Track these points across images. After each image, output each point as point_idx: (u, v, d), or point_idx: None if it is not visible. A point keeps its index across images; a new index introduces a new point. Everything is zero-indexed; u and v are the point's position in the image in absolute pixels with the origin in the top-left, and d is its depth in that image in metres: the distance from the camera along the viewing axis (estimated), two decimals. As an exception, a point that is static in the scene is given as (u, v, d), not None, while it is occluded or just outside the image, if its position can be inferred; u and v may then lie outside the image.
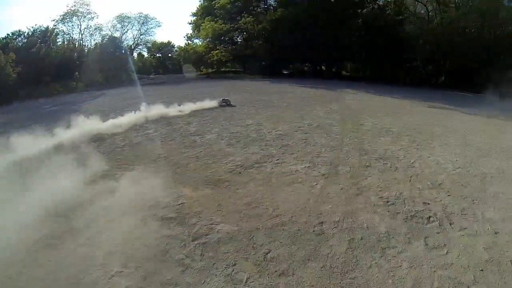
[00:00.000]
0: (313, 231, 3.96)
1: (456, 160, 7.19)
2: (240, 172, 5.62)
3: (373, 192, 5.33)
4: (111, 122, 9.42)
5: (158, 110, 10.89)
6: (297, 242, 3.73)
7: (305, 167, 5.99)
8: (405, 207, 4.92)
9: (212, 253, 3.46)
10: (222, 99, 12.47)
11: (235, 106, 12.38)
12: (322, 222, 4.16)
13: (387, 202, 5.04)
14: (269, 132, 8.27)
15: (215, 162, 6.17)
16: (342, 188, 5.23)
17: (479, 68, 27.01)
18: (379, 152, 7.48)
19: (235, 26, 30.05)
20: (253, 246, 3.61)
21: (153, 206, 4.45)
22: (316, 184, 5.26)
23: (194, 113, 11.02)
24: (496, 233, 4.30)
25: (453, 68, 28.50)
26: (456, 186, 5.76)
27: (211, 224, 4.03)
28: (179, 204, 4.42)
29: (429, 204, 5.03)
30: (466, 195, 5.43)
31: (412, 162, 6.95)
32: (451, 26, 27.90)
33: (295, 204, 4.58)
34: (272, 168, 5.87)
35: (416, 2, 29.52)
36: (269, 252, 3.52)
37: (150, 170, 5.75)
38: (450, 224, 4.48)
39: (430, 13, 28.83)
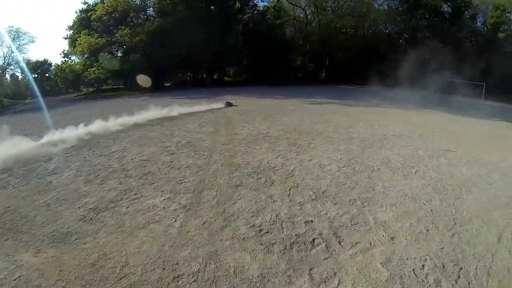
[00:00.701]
0: (167, 292, 3.76)
1: (341, 158, 8.09)
2: (91, 219, 5.70)
3: (243, 220, 5.21)
4: None
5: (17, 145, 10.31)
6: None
7: (164, 199, 6.23)
8: (283, 233, 4.78)
9: None
10: (226, 102, 17.11)
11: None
12: (178, 276, 4.00)
13: (260, 231, 4.85)
14: (132, 159, 8.76)
15: (67, 208, 6.17)
16: (205, 222, 5.24)
17: (357, 62, 38.65)
18: (252, 164, 7.77)
19: (112, 39, 33.66)
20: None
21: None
22: (175, 221, 5.36)
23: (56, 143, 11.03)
24: (392, 238, 4.67)
25: (334, 64, 39.53)
26: (343, 190, 6.25)
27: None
28: (15, 279, 4.18)
29: (312, 221, 5.12)
30: (355, 198, 5.92)
31: (291, 171, 7.24)
32: (329, 27, 40.12)
33: (148, 254, 4.54)
34: (128, 207, 6.01)
35: (295, 7, 41.31)
36: None
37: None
38: (340, 242, 4.54)
39: (308, 17, 40.79)
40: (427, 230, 4.96)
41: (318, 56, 41.02)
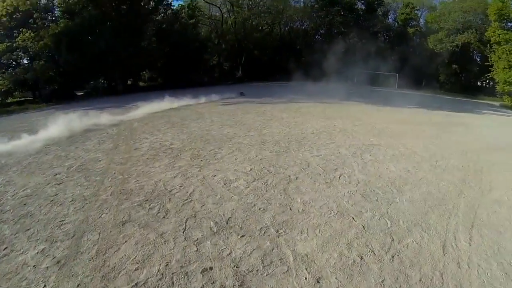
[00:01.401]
0: None
1: (251, 169, 6.92)
2: None
3: (125, 277, 3.92)
4: None
5: None
6: None
7: (38, 252, 4.91)
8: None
9: None
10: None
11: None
12: None
13: (144, 289, 3.42)
14: (13, 195, 7.08)
15: None
16: (78, 285, 4.01)
17: (274, 59, 39.93)
18: (146, 189, 6.29)
19: (14, 45, 29.97)
20: None
21: None
22: (45, 286, 4.08)
23: None
24: (318, 280, 3.59)
25: (250, 62, 39.56)
26: (252, 215, 5.02)
27: None
28: None
29: (211, 269, 3.81)
30: (267, 224, 4.72)
31: (191, 193, 5.86)
32: (244, 25, 40.05)
33: None
34: (-8, 272, 4.51)
35: (210, 6, 40.59)
36: None
37: None
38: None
39: (224, 15, 40.35)
40: (362, 258, 4.01)
41: (234, 55, 40.81)
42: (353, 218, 4.95)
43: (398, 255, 4.11)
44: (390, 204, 5.53)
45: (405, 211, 5.34)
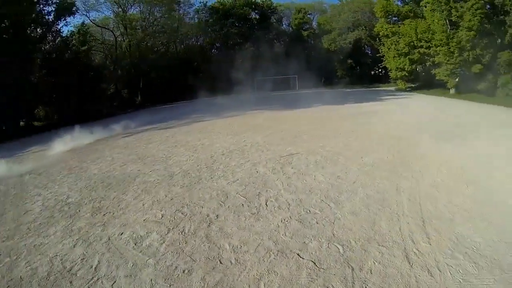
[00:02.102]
0: None
1: (162, 216, 5.78)
2: None
3: None
4: None
5: None
6: None
7: None
8: None
9: None
10: None
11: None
12: None
13: None
14: None
15: None
16: None
17: (172, 79, 38.79)
18: (41, 273, 4.49)
19: None
20: None
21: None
22: None
23: None
24: None
25: (148, 86, 37.82)
26: (176, 284, 3.86)
27: None
28: None
29: None
30: None
31: (96, 268, 4.40)
32: (139, 47, 38.38)
33: None
34: None
35: (103, 30, 38.48)
36: None
37: None
38: None
39: (118, 39, 37.92)
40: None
41: (132, 80, 38.24)
42: (298, 255, 4.16)
43: (366, 287, 3.48)
44: (333, 223, 4.93)
45: (351, 227, 4.79)
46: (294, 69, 40.09)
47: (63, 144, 13.33)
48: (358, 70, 48.49)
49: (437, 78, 27.61)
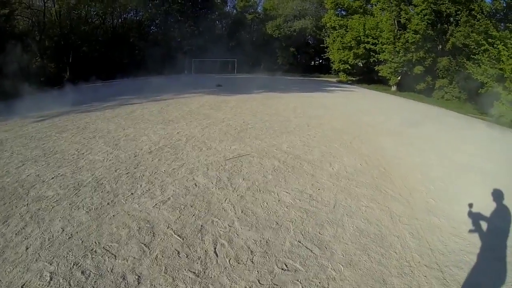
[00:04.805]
0: None
1: (51, 279, 3.31)
2: None
3: None
4: None
5: None
6: None
7: None
8: None
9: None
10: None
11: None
12: None
13: None
14: None
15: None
16: None
17: (106, 55, 33.29)
18: None
19: None
20: None
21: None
22: None
23: None
24: None
25: (79, 60, 31.74)
26: None
27: None
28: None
29: None
30: None
31: None
32: (71, 16, 31.88)
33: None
34: None
35: None
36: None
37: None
38: None
39: (47, 4, 30.44)
40: None
41: (60, 53, 31.88)
42: None
43: None
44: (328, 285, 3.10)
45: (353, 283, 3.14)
46: (234, 52, 37.75)
47: None
48: (299, 58, 47.12)
49: (380, 74, 27.40)
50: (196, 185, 5.56)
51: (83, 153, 7.35)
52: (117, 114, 12.01)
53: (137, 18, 40.87)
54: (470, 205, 4.77)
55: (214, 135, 8.88)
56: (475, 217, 4.55)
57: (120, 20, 39.15)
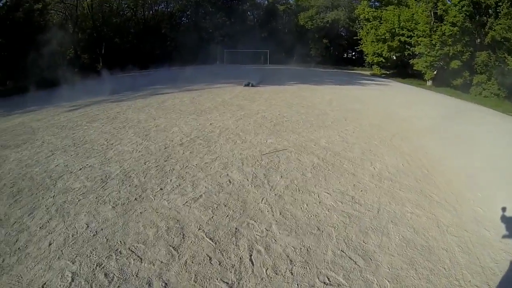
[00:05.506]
0: None
1: (72, 282, 3.11)
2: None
3: None
4: None
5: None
6: None
7: None
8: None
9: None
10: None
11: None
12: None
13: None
14: None
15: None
16: None
17: (138, 46, 33.85)
18: None
19: None
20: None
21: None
22: None
23: None
24: None
25: (111, 52, 32.60)
26: None
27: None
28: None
29: None
30: None
31: None
32: (102, 9, 33.10)
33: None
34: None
35: None
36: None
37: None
38: None
39: None
40: None
41: (93, 45, 33.18)
42: None
43: None
44: None
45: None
46: (266, 43, 37.30)
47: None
48: (332, 50, 45.98)
49: (414, 68, 26.04)
50: (230, 181, 5.23)
51: (112, 144, 7.24)
52: (148, 103, 11.95)
53: (168, 9, 41.31)
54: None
55: (249, 128, 8.53)
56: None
57: (151, 12, 39.76)
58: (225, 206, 4.44)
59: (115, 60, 31.65)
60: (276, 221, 4.12)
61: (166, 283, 3.04)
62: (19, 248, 3.59)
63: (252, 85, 16.36)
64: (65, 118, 10.08)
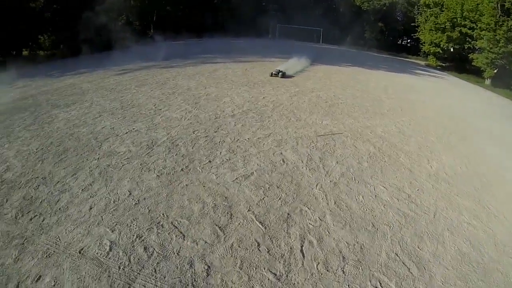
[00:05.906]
0: None
1: (110, 248, 2.89)
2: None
3: None
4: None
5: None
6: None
7: None
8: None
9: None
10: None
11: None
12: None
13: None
14: None
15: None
16: None
17: (189, 15, 33.23)
18: None
19: None
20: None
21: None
22: None
23: None
24: None
25: (162, 19, 32.42)
26: None
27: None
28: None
29: None
30: None
31: None
32: None
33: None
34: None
35: None
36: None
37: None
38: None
39: None
40: None
41: (145, 12, 33.79)
42: None
43: None
44: None
45: None
46: (320, 22, 35.90)
47: (47, 80, 10.32)
48: (387, 35, 43.41)
49: (473, 64, 23.76)
50: (284, 161, 4.84)
51: (161, 109, 7.05)
52: (198, 71, 11.70)
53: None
54: None
55: (304, 106, 8.01)
56: None
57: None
58: (277, 187, 4.07)
59: (166, 27, 32.09)
60: (331, 211, 3.74)
61: (209, 266, 2.75)
62: (60, 209, 3.47)
63: (283, 75, 12.25)
64: (115, 81, 10.09)
